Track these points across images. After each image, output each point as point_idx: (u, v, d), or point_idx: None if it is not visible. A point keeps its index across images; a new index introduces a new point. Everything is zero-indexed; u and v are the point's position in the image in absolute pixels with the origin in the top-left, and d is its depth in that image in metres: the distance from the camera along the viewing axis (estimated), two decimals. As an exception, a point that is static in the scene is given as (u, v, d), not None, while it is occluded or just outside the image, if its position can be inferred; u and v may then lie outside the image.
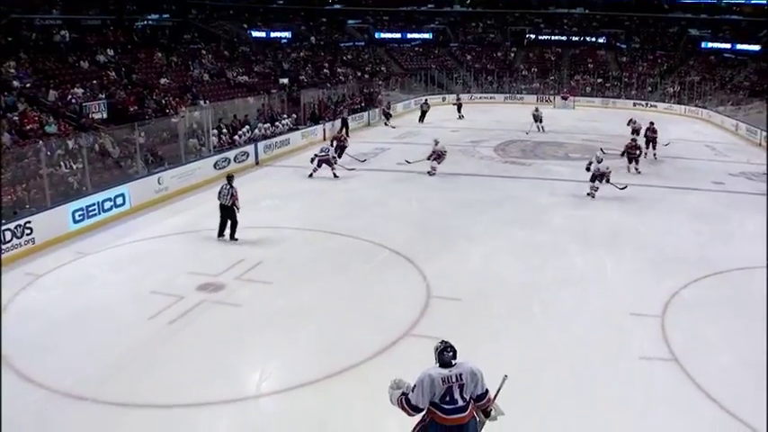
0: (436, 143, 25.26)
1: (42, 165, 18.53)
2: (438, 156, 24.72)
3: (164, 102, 30.58)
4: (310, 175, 24.24)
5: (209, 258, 15.36)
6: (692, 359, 10.60)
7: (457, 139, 33.49)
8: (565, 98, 51.08)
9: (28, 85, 26.81)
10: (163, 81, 33.42)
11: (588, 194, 20.58)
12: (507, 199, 21.01)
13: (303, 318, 12.32)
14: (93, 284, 14.30)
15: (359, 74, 51.90)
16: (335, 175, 24.18)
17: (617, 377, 10.21)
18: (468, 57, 63.50)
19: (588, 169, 20.51)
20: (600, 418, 9.15)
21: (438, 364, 6.88)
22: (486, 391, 6.99)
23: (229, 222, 16.59)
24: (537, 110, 38.09)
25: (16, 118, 23.68)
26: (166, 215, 19.62)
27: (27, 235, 16.22)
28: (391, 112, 41.66)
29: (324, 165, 24.29)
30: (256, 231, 16.94)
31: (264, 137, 29.23)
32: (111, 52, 33.50)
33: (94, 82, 29.40)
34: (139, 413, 9.43)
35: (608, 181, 20.39)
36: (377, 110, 42.28)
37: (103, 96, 28.23)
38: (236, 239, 16.47)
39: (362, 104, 41.75)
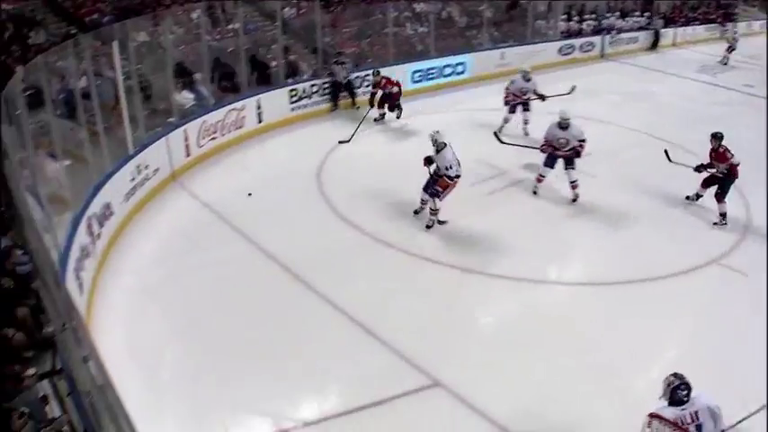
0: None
1: (389, 24, 18.54)
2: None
3: (518, -19, 29.52)
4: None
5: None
6: None
7: None
8: None
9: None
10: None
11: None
12: None
13: (618, 222, 11.41)
14: (424, 142, 14.14)
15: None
16: None
17: None
18: None
19: None
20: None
21: (667, 402, 5.64)
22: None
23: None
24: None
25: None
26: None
27: (365, 87, 16.78)
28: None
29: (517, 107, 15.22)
30: (590, 123, 15.93)
31: (612, 30, 27.48)
32: None
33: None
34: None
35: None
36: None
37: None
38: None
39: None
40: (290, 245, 10.10)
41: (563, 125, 11.59)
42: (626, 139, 15.56)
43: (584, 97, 15.94)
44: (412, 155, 12.44)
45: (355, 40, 19.00)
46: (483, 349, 8.04)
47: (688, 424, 5.50)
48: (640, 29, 28.54)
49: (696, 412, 5.52)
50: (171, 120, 12.76)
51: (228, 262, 9.67)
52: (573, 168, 11.65)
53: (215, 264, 9.60)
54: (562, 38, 23.98)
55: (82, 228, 8.70)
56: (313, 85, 16.07)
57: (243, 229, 10.57)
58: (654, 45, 28.84)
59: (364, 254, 10.14)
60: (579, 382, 7.38)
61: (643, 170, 13.49)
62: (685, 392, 5.57)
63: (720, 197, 11.52)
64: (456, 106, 16.88)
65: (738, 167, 11.36)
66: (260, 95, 14.86)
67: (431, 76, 18.56)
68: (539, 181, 12.12)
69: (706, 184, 11.80)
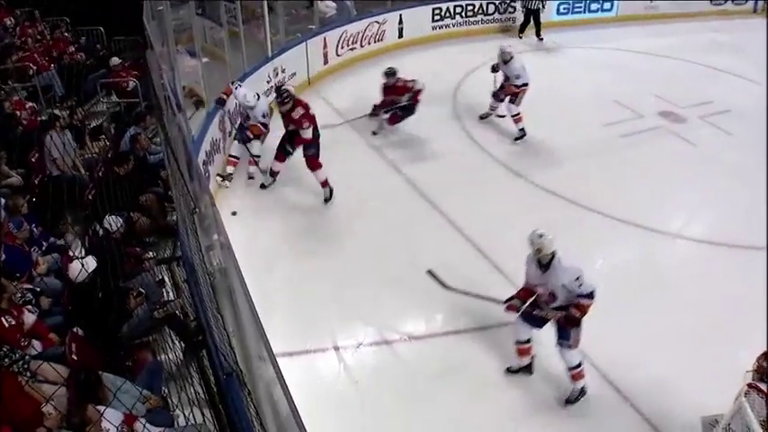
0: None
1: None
2: None
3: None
4: None
5: (680, 88, 13.61)
6: None
7: None
8: None
9: None
10: None
11: None
12: None
13: (753, 183, 9.97)
14: (561, 76, 13.89)
15: None
16: None
17: None
18: None
19: None
20: None
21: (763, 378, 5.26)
22: None
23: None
24: None
25: None
26: (651, 33, 17.66)
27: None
28: None
29: None
30: (732, 78, 15.03)
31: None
32: None
33: None
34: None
35: None
36: None
37: None
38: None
39: None
40: (417, 162, 10.13)
41: (542, 261, 5.97)
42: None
43: (729, 51, 15.17)
44: (552, 86, 12.21)
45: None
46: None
47: None
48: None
49: None
50: (311, 27, 12.79)
51: (354, 170, 9.71)
52: (568, 346, 6.11)
53: (340, 170, 9.55)
54: (715, -12, 22.58)
55: (215, 123, 8.83)
56: (456, 6, 15.87)
57: (373, 140, 10.61)
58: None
59: (491, 179, 9.94)
60: (683, 339, 7.00)
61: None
62: None
63: (398, 120, 10.79)
64: (598, 43, 16.16)
65: (421, 92, 10.70)
66: (402, 11, 14.77)
67: (576, 10, 17.82)
68: (521, 353, 6.45)
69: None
